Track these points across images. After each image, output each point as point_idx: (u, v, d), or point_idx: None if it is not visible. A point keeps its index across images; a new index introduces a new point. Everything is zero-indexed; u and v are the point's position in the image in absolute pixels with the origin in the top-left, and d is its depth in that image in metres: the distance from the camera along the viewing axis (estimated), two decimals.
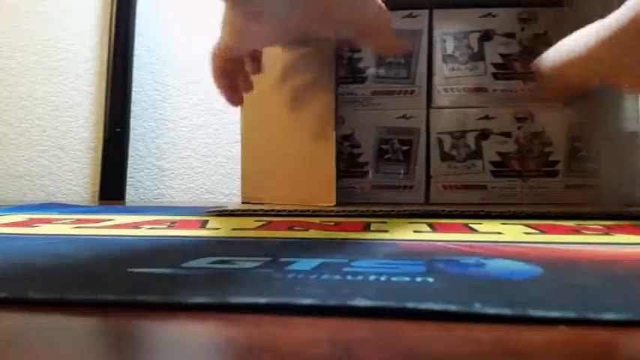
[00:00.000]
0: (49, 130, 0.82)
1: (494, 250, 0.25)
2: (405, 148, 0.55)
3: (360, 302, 0.15)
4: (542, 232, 0.32)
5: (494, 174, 0.54)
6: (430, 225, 0.36)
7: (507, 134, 0.54)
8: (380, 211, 0.43)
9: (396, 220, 0.39)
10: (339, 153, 0.54)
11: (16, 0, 0.84)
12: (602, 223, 0.37)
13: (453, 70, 0.56)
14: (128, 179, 0.78)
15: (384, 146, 0.55)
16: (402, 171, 0.55)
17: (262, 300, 0.15)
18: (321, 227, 0.35)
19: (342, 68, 0.56)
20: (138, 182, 0.79)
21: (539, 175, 0.54)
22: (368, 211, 0.43)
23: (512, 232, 0.32)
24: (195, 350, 0.13)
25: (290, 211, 0.44)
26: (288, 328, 0.14)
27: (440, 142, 0.55)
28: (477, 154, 0.54)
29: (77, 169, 0.82)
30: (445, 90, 0.56)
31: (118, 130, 0.77)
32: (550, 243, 0.27)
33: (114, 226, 0.36)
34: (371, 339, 0.13)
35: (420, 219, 0.40)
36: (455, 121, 0.54)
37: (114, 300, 0.16)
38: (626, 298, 0.16)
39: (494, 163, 0.54)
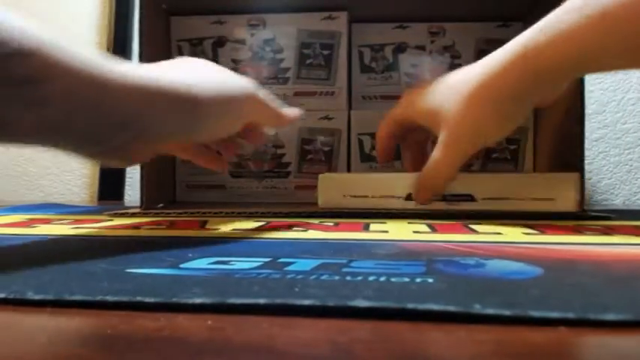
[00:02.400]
0: None
1: (494, 251, 0.25)
2: (326, 148, 0.57)
3: (360, 303, 0.15)
4: (542, 232, 0.32)
5: None
6: (430, 225, 0.36)
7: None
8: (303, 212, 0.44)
9: (395, 220, 0.39)
10: (262, 153, 0.57)
11: (16, 0, 0.84)
12: (601, 223, 0.37)
13: (370, 79, 0.60)
14: (127, 179, 0.78)
15: (306, 146, 0.57)
16: (324, 171, 0.57)
17: (262, 300, 0.15)
18: (321, 227, 0.35)
19: (265, 69, 0.57)
20: (137, 182, 0.79)
21: None
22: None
23: (512, 232, 0.32)
24: (194, 351, 0.13)
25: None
26: (288, 329, 0.14)
27: (360, 142, 0.56)
28: (395, 155, 0.56)
29: (76, 169, 0.82)
30: (363, 97, 0.60)
31: None
32: (550, 243, 0.27)
33: (113, 226, 0.36)
34: (371, 339, 0.13)
35: (419, 219, 0.40)
36: (375, 122, 0.56)
37: (113, 300, 0.16)
38: (626, 298, 0.16)
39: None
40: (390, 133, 0.44)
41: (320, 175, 0.45)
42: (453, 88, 0.38)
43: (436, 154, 0.39)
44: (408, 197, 0.43)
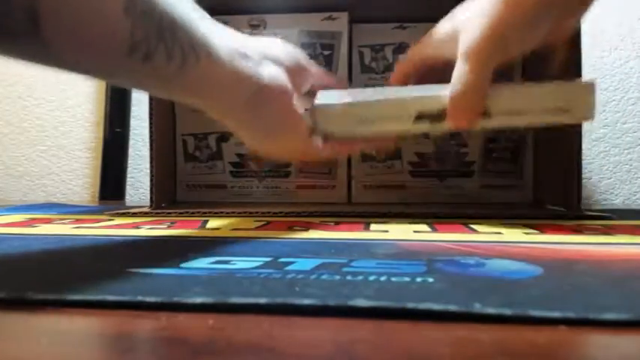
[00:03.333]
0: (49, 130, 0.82)
1: (494, 250, 0.25)
2: None
3: (360, 302, 0.15)
4: (542, 232, 0.32)
5: (413, 174, 0.56)
6: (430, 225, 0.36)
7: (425, 135, 0.56)
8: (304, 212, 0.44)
9: (396, 219, 0.39)
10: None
11: None
12: (601, 223, 0.37)
13: (370, 79, 0.59)
14: (128, 179, 0.78)
15: None
16: (324, 170, 0.56)
17: (262, 300, 0.15)
18: (321, 227, 0.35)
19: None
20: (138, 182, 0.79)
21: (456, 175, 0.56)
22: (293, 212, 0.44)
23: (512, 232, 0.32)
24: (195, 350, 0.13)
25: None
26: (289, 328, 0.14)
27: None
28: (396, 154, 0.56)
29: (77, 169, 0.82)
30: None
31: (118, 130, 0.77)
32: (550, 243, 0.27)
33: (114, 226, 0.36)
34: (371, 339, 0.13)
35: (419, 219, 0.40)
36: None
37: (114, 300, 0.16)
38: (626, 298, 0.16)
39: (412, 164, 0.56)
40: (406, 73, 0.41)
41: (315, 102, 0.38)
42: (469, 8, 0.35)
43: (459, 67, 0.34)
44: (419, 117, 0.36)
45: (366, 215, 0.42)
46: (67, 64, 0.24)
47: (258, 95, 0.34)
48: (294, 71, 0.36)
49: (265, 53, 0.34)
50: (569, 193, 0.44)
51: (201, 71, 0.29)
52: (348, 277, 0.18)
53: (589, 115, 0.36)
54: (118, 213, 0.45)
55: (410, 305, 0.15)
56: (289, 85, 0.35)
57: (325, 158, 0.42)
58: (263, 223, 0.37)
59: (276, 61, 0.35)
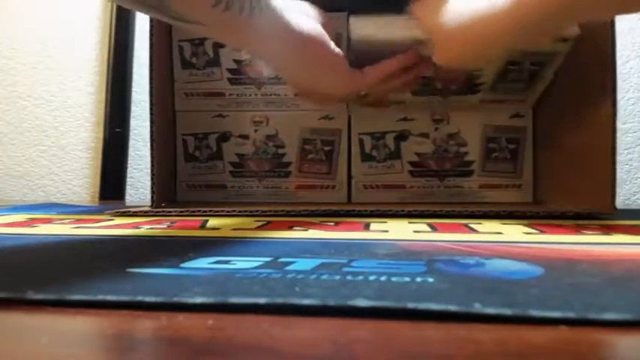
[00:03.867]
0: (49, 130, 0.82)
1: (494, 250, 0.25)
2: (327, 148, 0.57)
3: (360, 302, 0.15)
4: (542, 232, 0.32)
5: (413, 174, 0.56)
6: (430, 225, 0.36)
7: (425, 135, 0.56)
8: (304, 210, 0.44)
9: (396, 219, 0.39)
10: (263, 153, 0.57)
11: (17, 0, 0.84)
12: (601, 223, 0.37)
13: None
14: (128, 179, 0.78)
15: (307, 146, 0.57)
16: (324, 171, 0.57)
17: (262, 300, 0.15)
18: (321, 227, 0.35)
19: (266, 71, 0.58)
20: (138, 182, 0.79)
21: (455, 175, 0.56)
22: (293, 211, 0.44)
23: (512, 232, 0.32)
24: (195, 350, 0.13)
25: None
26: (288, 328, 0.14)
27: (361, 142, 0.57)
28: (396, 154, 0.56)
29: (77, 169, 0.82)
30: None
31: (118, 130, 0.77)
32: (550, 243, 0.27)
33: (114, 226, 0.36)
34: (371, 339, 0.13)
35: (419, 219, 0.40)
36: (375, 122, 0.56)
37: (114, 300, 0.16)
38: (626, 298, 0.16)
39: (412, 164, 0.56)
40: None
41: (351, 18, 0.45)
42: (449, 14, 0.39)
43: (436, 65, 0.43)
44: None
45: (366, 215, 0.42)
46: (173, 15, 0.31)
47: (302, 42, 0.39)
48: (326, 26, 0.43)
49: (303, 11, 0.41)
50: (603, 194, 0.42)
51: (262, 21, 0.35)
52: (348, 277, 0.18)
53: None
54: (117, 213, 0.45)
55: (410, 305, 0.15)
56: (325, 34, 0.42)
57: (363, 89, 0.46)
58: (263, 223, 0.37)
59: (312, 17, 0.42)
